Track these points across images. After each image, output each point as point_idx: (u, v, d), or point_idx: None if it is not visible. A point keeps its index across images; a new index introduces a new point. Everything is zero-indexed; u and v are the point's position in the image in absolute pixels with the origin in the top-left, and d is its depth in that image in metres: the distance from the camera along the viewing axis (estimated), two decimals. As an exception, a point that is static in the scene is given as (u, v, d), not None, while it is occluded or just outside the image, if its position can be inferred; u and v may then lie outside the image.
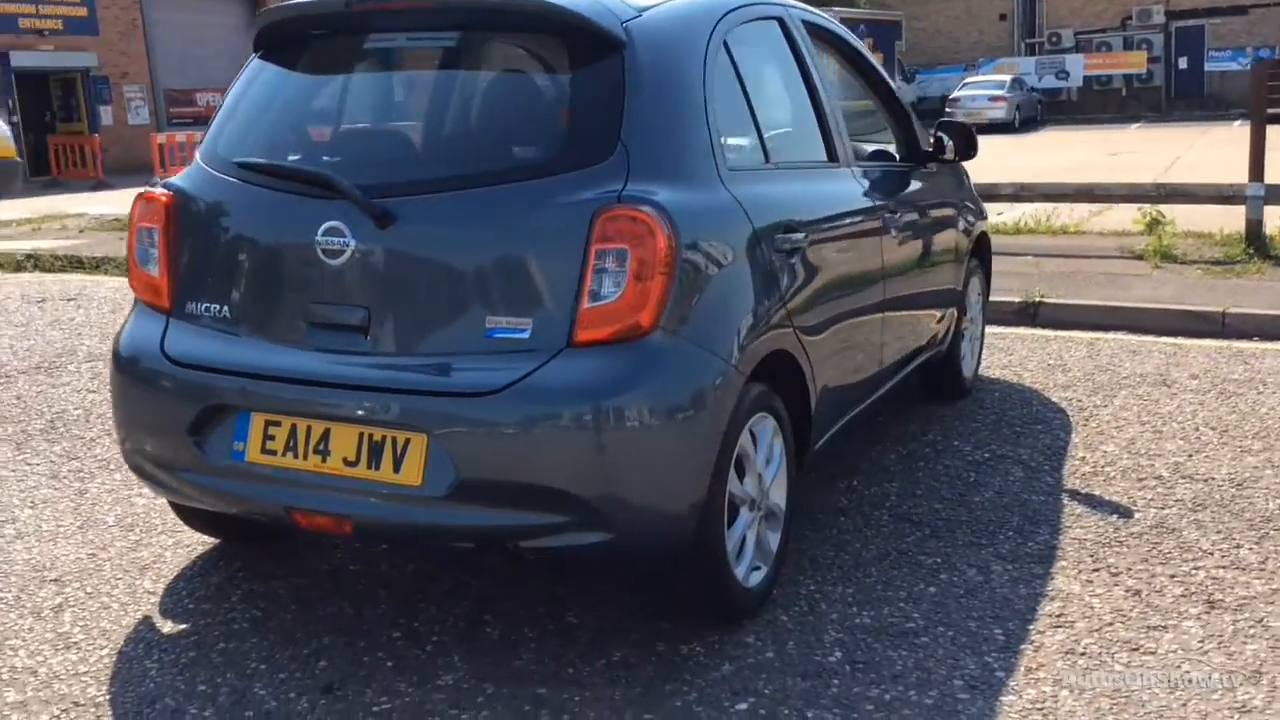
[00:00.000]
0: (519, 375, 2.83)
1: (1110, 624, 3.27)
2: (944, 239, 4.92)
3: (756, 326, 3.16)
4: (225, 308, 3.23)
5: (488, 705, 2.92)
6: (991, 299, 7.31)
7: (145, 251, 3.36)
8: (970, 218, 5.27)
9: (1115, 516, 4.02)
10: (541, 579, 3.57)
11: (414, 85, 3.37)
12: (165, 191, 3.37)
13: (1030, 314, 7.48)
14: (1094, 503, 4.16)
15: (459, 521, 2.91)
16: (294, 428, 3.04)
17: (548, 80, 3.18)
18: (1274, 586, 3.46)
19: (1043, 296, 7.57)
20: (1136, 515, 4.03)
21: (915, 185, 4.75)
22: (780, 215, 3.38)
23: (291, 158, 3.24)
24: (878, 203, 4.13)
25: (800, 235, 3.45)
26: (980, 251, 5.64)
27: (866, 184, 4.14)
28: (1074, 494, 4.25)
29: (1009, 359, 6.35)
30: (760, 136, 3.57)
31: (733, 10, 3.53)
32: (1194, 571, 3.58)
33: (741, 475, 3.21)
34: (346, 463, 2.98)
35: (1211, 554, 3.70)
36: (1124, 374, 5.93)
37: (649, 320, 2.86)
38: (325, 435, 3.01)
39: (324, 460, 3.01)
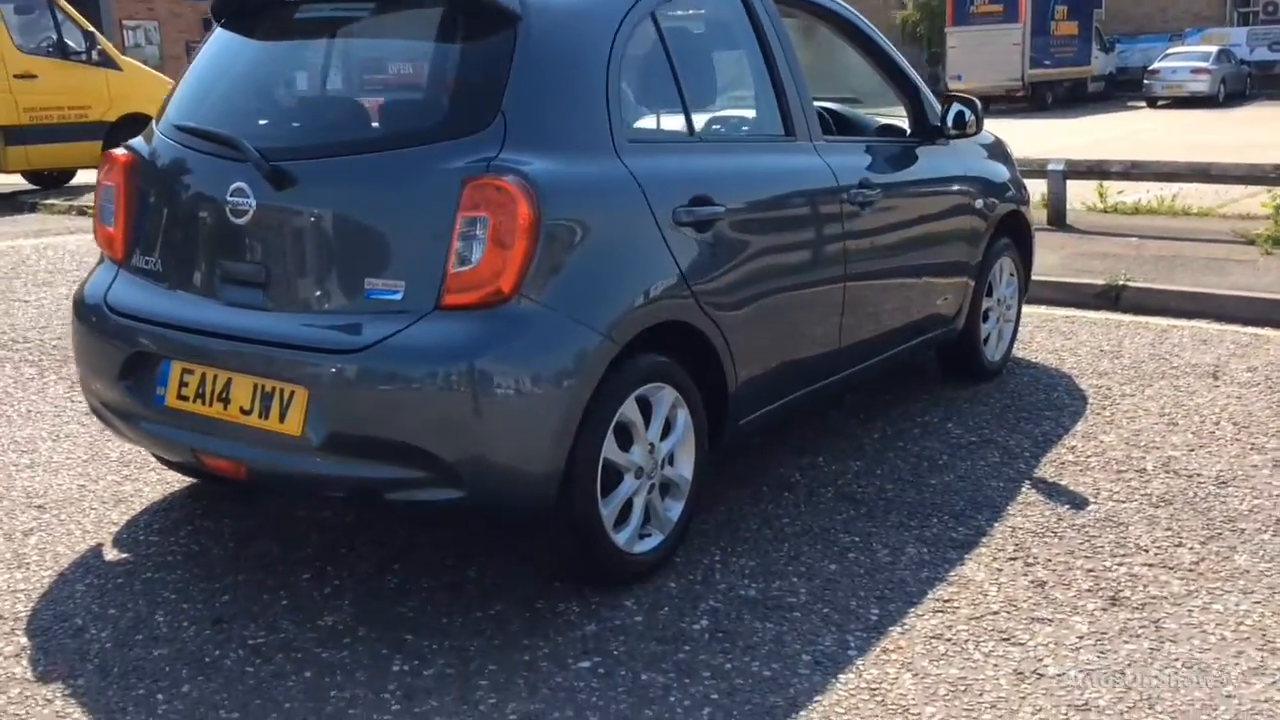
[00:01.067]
0: (384, 335, 2.97)
1: (995, 613, 3.20)
2: (949, 217, 4.80)
3: (640, 297, 3.20)
4: (158, 261, 3.47)
5: (351, 647, 3.07)
6: (1076, 281, 7.12)
7: (105, 207, 3.62)
8: (993, 196, 5.11)
9: (1067, 507, 3.90)
10: (464, 532, 3.70)
11: (326, 53, 3.52)
12: (124, 152, 3.62)
13: (1112, 298, 7.18)
14: (1053, 492, 4.04)
15: (330, 472, 3.06)
16: (204, 376, 3.25)
17: (442, 51, 3.28)
18: (1192, 588, 3.32)
19: (1127, 280, 7.25)
20: (1090, 507, 3.90)
21: (910, 161, 4.66)
22: (691, 188, 3.40)
23: (216, 121, 3.44)
24: (843, 179, 4.07)
25: (717, 209, 3.46)
26: (1014, 231, 5.46)
27: (834, 159, 4.09)
28: (1038, 482, 4.13)
29: (1064, 343, 6.14)
30: (686, 110, 3.58)
31: None
32: (1115, 567, 3.46)
33: (628, 443, 3.26)
34: (243, 411, 3.17)
35: (1146, 550, 3.56)
36: (1176, 364, 5.66)
37: (509, 287, 2.94)
38: (228, 384, 3.21)
39: (225, 408, 3.21)
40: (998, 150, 5.41)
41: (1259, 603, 3.22)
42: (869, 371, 4.53)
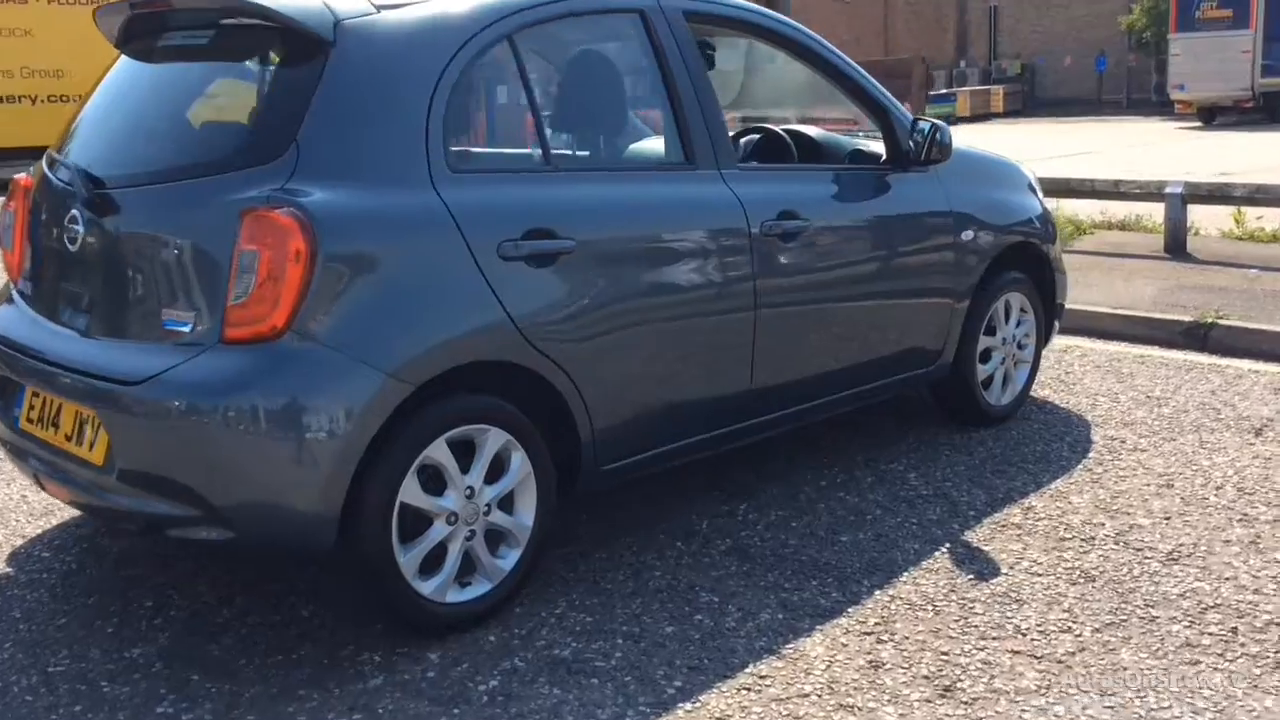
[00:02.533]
0: (163, 368, 2.94)
1: (804, 696, 2.92)
2: (919, 249, 4.44)
3: (444, 335, 3.06)
4: (29, 285, 3.55)
5: (137, 683, 3.04)
6: (1164, 316, 6.54)
7: (6, 232, 3.73)
8: (990, 227, 4.71)
9: (970, 578, 3.54)
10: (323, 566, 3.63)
11: (166, 80, 3.50)
12: (25, 176, 3.72)
13: (1199, 336, 6.55)
14: (968, 559, 3.67)
15: (122, 505, 3.05)
16: (45, 401, 3.30)
17: (251, 79, 3.23)
18: (1046, 684, 2.94)
19: (1219, 317, 6.59)
20: (995, 579, 3.52)
21: (871, 190, 4.34)
22: (529, 221, 3.24)
23: (79, 148, 3.48)
24: (756, 210, 3.80)
25: (563, 242, 3.28)
26: (1030, 266, 5.03)
27: (747, 189, 3.83)
28: (960, 547, 3.77)
29: (1112, 386, 5.62)
30: (543, 138, 3.42)
31: (523, 10, 3.39)
32: (973, 652, 3.10)
33: (441, 487, 3.13)
34: (66, 437, 3.20)
35: (1023, 635, 3.19)
36: (1224, 416, 5.10)
37: (281, 322, 2.86)
38: (59, 410, 3.25)
39: (55, 432, 3.25)
40: (1007, 178, 4.99)
41: (1111, 708, 2.81)
42: (815, 412, 4.23)
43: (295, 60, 3.10)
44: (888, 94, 4.44)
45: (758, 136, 4.82)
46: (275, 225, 2.84)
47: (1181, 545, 3.73)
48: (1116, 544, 3.75)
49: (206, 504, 2.89)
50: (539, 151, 3.45)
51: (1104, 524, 3.92)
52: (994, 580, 3.50)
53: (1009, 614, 3.29)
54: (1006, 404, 5.05)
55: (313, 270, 2.85)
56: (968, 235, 4.62)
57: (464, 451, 3.18)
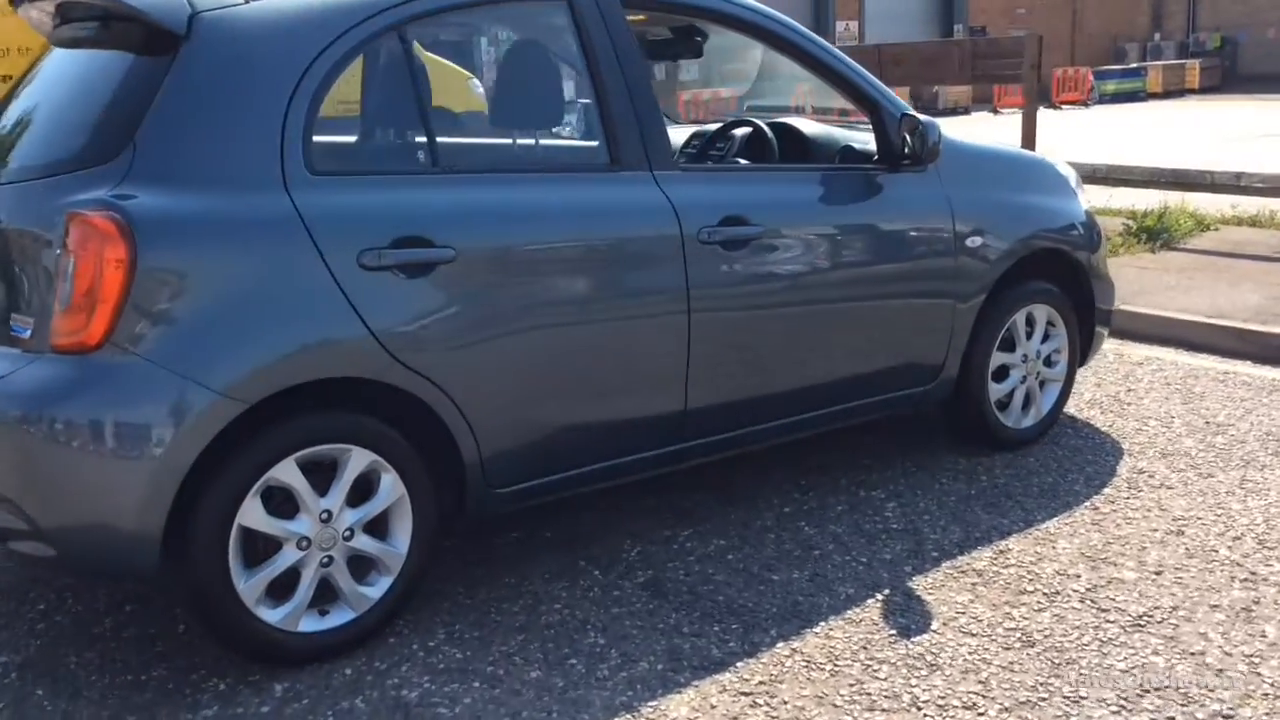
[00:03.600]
0: None
1: (637, 767, 2.62)
2: (908, 255, 4.03)
3: (286, 350, 2.87)
4: None
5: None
6: (1265, 329, 5.90)
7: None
8: (1006, 232, 4.25)
9: (891, 634, 3.17)
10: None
11: (51, 75, 3.37)
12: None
13: (1300, 352, 5.87)
14: (899, 611, 3.29)
15: None
16: None
17: (103, 75, 3.07)
18: (917, 772, 2.57)
19: (1323, 332, 5.89)
20: (919, 638, 3.14)
21: (854, 192, 3.95)
22: (400, 228, 3.01)
23: None
24: (694, 215, 3.49)
25: (442, 251, 3.05)
26: (1062, 275, 4.54)
27: (686, 192, 3.51)
28: (898, 595, 3.39)
29: (1172, 409, 5.08)
30: (430, 138, 3.18)
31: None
32: (850, 727, 2.75)
33: (294, 510, 2.96)
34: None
35: (919, 709, 2.81)
36: (1286, 448, 4.52)
37: (99, 333, 2.72)
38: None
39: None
40: (1034, 179, 4.50)
41: (975, 810, 2.44)
42: (775, 434, 3.90)
43: (145, 55, 2.94)
44: (877, 84, 4.03)
45: (747, 131, 4.46)
46: (95, 230, 2.69)
47: (1158, 608, 3.27)
48: (1082, 602, 3.31)
49: (28, 518, 2.77)
50: (425, 153, 3.21)
51: (1079, 576, 3.47)
52: (917, 638, 3.12)
53: (914, 682, 2.92)
54: (1028, 427, 4.58)
55: (133, 279, 2.69)
56: (974, 242, 4.17)
57: (328, 472, 2.98)
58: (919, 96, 29.24)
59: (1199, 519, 3.87)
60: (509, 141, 3.59)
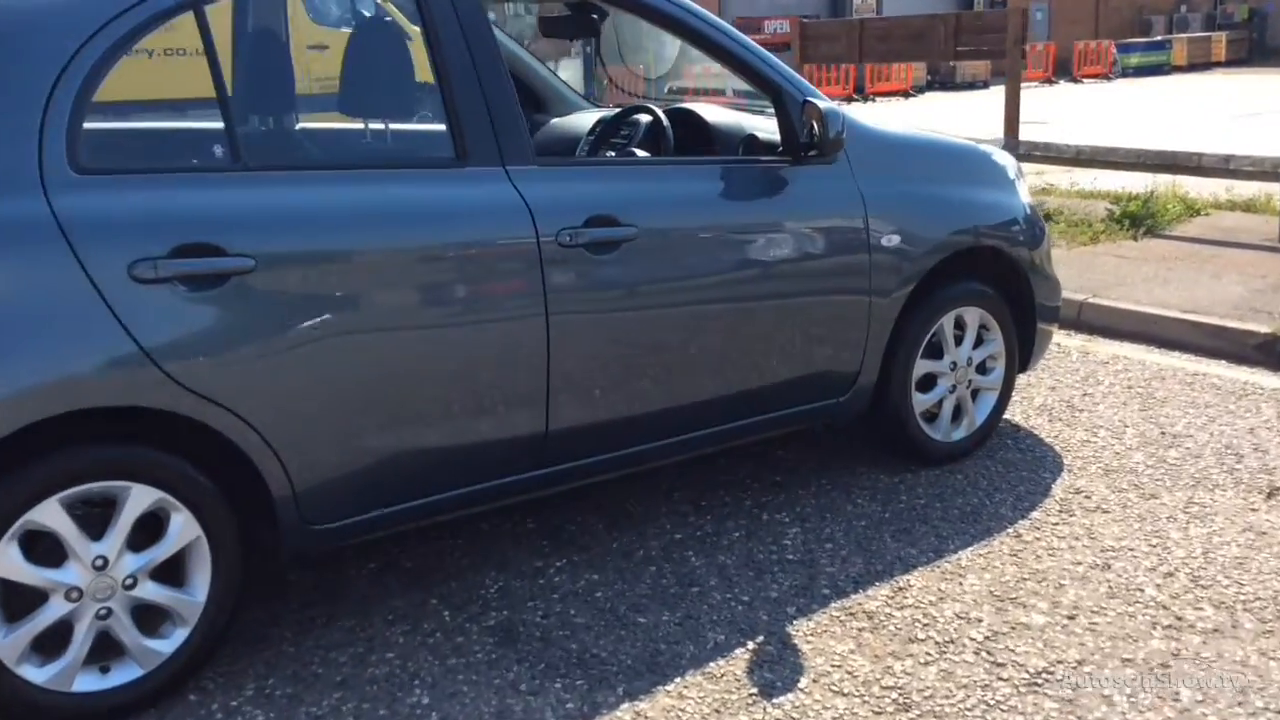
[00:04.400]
0: None
1: None
2: (811, 261, 3.65)
3: (28, 380, 2.50)
4: None
5: None
6: (1241, 326, 5.48)
7: None
8: (931, 229, 3.86)
9: (750, 695, 2.81)
10: None
11: None
12: None
13: (1275, 353, 5.44)
14: (766, 664, 2.94)
15: None
16: None
17: None
18: None
19: (1298, 329, 5.46)
20: (777, 700, 2.78)
21: (751, 187, 3.58)
22: (185, 234, 2.64)
23: None
24: (551, 216, 3.11)
25: (239, 260, 2.68)
26: (1000, 276, 4.15)
27: (544, 189, 3.14)
28: (772, 642, 3.03)
29: (1127, 415, 4.69)
30: (231, 131, 2.81)
31: None
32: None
33: (62, 558, 2.61)
34: None
35: (758, 792, 2.44)
36: (1240, 467, 4.13)
37: None
38: None
39: None
40: (967, 170, 4.11)
41: None
42: (661, 454, 3.53)
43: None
44: (779, 66, 3.64)
45: (646, 119, 4.06)
46: None
47: (1061, 662, 2.89)
48: (976, 654, 2.93)
49: None
50: (224, 147, 2.84)
51: (981, 620, 3.10)
52: (779, 699, 2.76)
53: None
54: (958, 440, 4.19)
55: None
56: (891, 240, 3.78)
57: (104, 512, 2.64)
58: (936, 71, 28.60)
59: (1130, 550, 3.48)
60: (332, 132, 3.21)
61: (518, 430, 3.17)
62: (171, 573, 2.78)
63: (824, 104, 3.49)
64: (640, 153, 3.88)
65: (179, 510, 2.72)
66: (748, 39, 3.62)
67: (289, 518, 2.86)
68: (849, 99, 24.79)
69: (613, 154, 4.05)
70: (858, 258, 3.72)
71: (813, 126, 3.51)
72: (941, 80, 28.74)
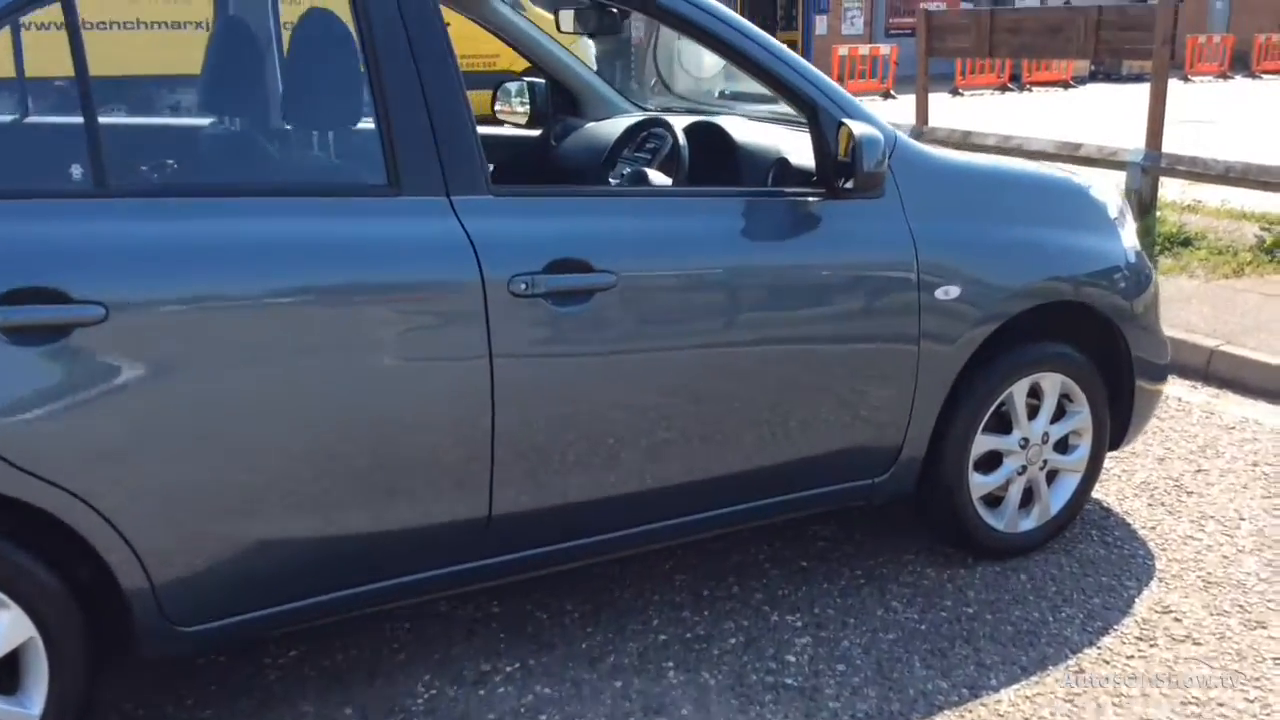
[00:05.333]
0: None
1: None
2: (844, 318, 3.01)
3: None
4: None
5: None
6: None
7: None
8: (990, 286, 3.18)
9: None
10: None
11: None
12: None
13: None
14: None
15: None
16: None
17: None
18: None
19: None
20: None
21: (754, 227, 2.95)
22: (12, 278, 2.16)
23: None
24: (503, 259, 2.56)
25: (87, 309, 2.19)
26: (1086, 332, 3.44)
27: (501, 226, 2.58)
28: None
29: (1243, 501, 3.92)
30: (96, 148, 2.30)
31: None
32: None
33: None
34: None
35: None
36: (1385, 584, 3.33)
37: None
38: None
39: None
40: (1050, 208, 3.40)
41: None
42: (641, 541, 2.97)
43: None
44: (814, 76, 2.99)
45: (665, 135, 3.45)
46: None
47: None
48: None
49: None
50: (84, 167, 2.33)
51: (1007, 799, 2.42)
52: None
53: None
54: (1029, 530, 3.50)
55: None
56: (946, 293, 3.11)
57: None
58: (1101, 60, 26.98)
59: (1220, 706, 2.75)
60: (225, 148, 2.69)
61: (452, 515, 2.63)
62: (2, 679, 2.30)
63: (863, 128, 2.83)
64: (654, 175, 3.27)
65: (6, 607, 2.24)
66: (775, 42, 2.97)
67: (148, 617, 2.37)
68: (1003, 88, 23.54)
69: (629, 171, 3.45)
70: (904, 313, 3.06)
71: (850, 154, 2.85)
72: (1106, 71, 27.15)
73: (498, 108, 4.34)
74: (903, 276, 3.05)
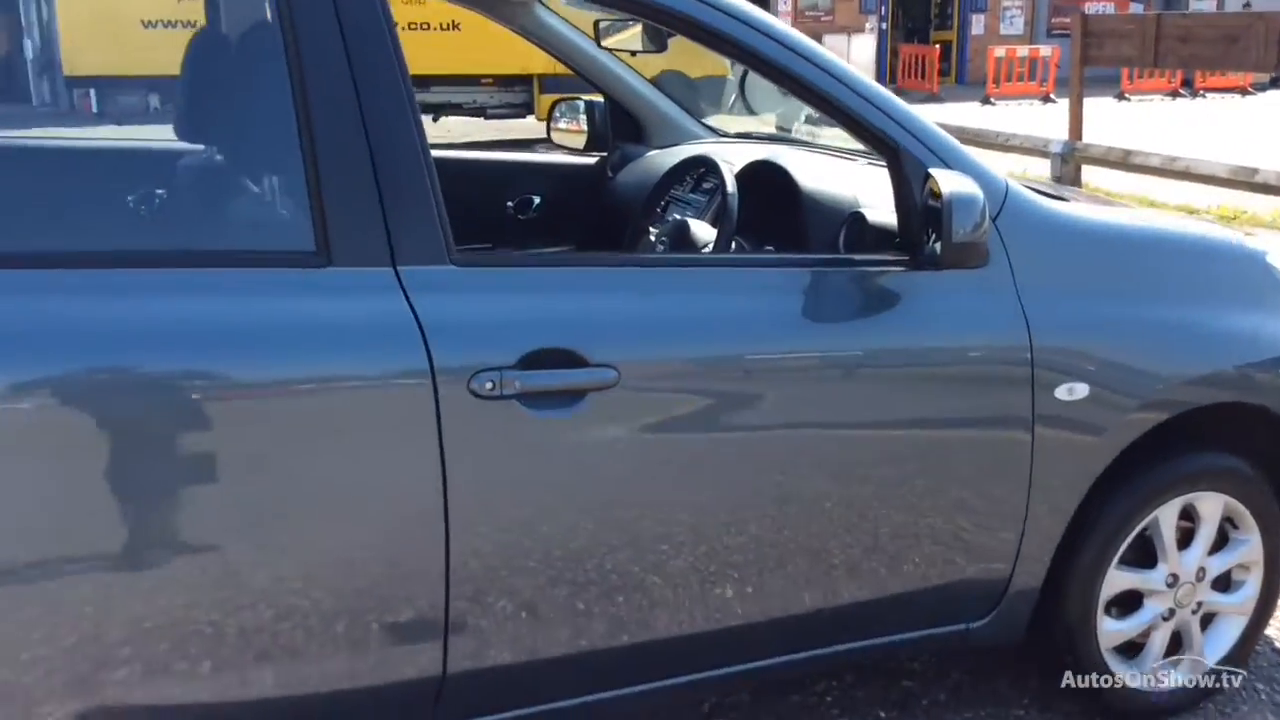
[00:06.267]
0: None
1: None
2: (912, 427, 2.32)
3: None
4: None
5: None
6: None
7: None
8: (1129, 384, 2.43)
9: None
10: None
11: None
12: None
13: None
14: None
15: None
16: None
17: None
18: None
19: None
20: None
21: (815, 304, 2.28)
22: None
23: None
24: (467, 347, 1.95)
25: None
26: (1254, 440, 2.66)
27: (467, 306, 1.98)
28: None
29: None
30: None
31: None
32: None
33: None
34: None
35: None
36: None
37: None
38: None
39: None
40: (1214, 278, 2.62)
41: None
42: (654, 696, 2.32)
43: None
44: (895, 108, 2.28)
45: (712, 179, 2.78)
46: None
47: None
48: None
49: None
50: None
51: None
52: None
53: None
54: (1175, 689, 2.73)
55: None
56: (1071, 391, 2.37)
57: None
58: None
59: None
60: (96, 200, 2.12)
61: (397, 674, 2.01)
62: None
63: (956, 181, 2.12)
64: (698, 227, 2.61)
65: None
66: (845, 66, 2.27)
67: None
68: (1174, 94, 22.03)
69: (677, 217, 2.80)
70: (1012, 418, 2.34)
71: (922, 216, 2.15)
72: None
73: (554, 130, 3.73)
74: (1011, 371, 2.33)
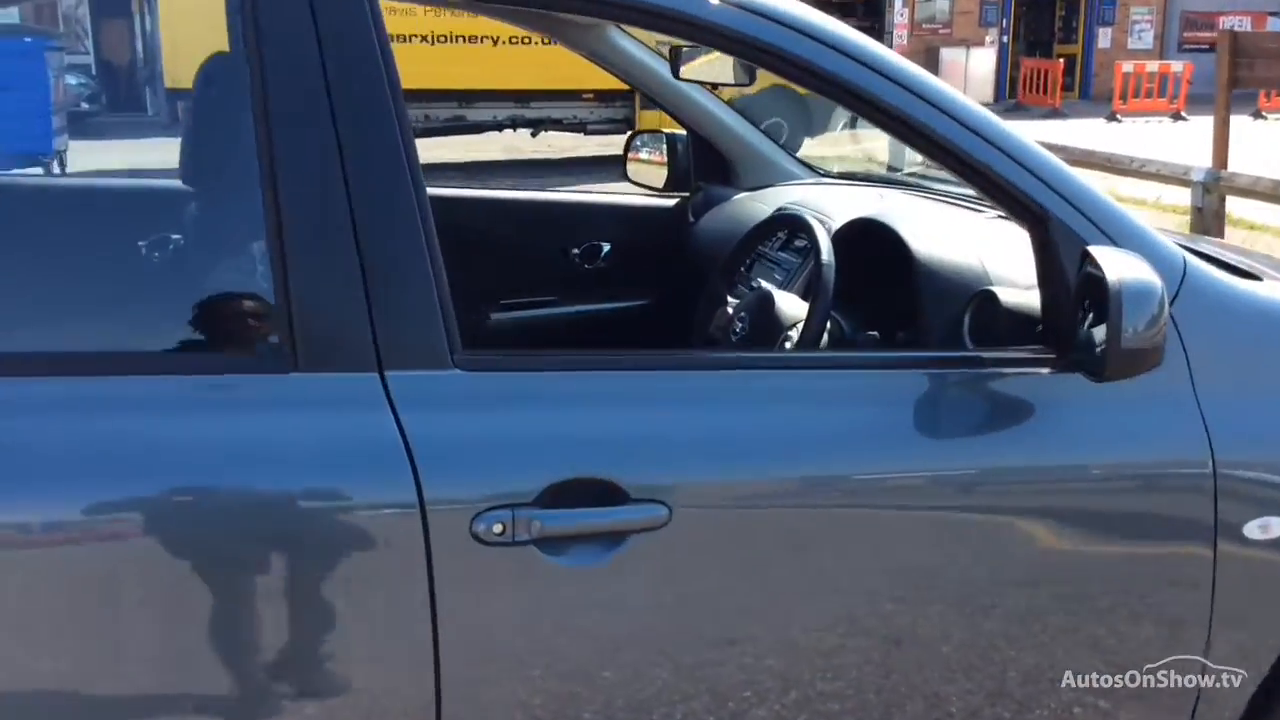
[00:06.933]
0: None
1: None
2: (1056, 568, 1.81)
3: None
4: None
5: None
6: None
7: None
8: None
9: None
10: None
11: None
12: None
13: None
14: None
15: None
16: None
17: None
18: None
19: None
20: None
21: (905, 420, 1.77)
22: None
23: None
24: (452, 482, 1.50)
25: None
26: None
27: (466, 424, 1.54)
28: None
29: None
30: None
31: None
32: None
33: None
34: None
35: None
36: None
37: None
38: None
39: None
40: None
41: None
42: None
43: None
44: (1043, 162, 1.75)
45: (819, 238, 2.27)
46: None
47: None
48: None
49: None
50: None
51: None
52: None
53: None
54: None
55: None
56: (1266, 527, 1.83)
57: None
58: None
59: None
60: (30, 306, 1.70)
61: None
62: None
63: (1124, 265, 1.59)
64: (785, 300, 2.11)
65: None
66: (973, 106, 1.75)
67: None
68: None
69: (760, 283, 2.30)
70: (1186, 560, 1.80)
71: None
72: None
73: (630, 162, 3.26)
74: (1186, 500, 1.78)
